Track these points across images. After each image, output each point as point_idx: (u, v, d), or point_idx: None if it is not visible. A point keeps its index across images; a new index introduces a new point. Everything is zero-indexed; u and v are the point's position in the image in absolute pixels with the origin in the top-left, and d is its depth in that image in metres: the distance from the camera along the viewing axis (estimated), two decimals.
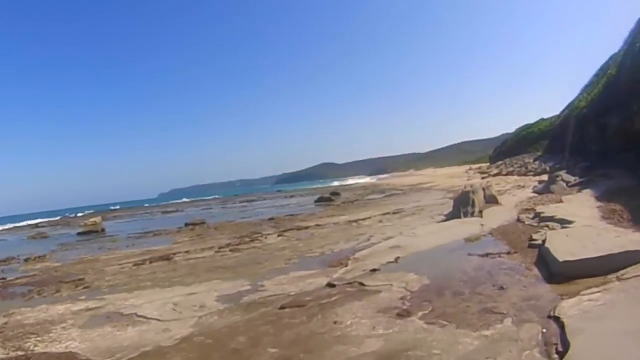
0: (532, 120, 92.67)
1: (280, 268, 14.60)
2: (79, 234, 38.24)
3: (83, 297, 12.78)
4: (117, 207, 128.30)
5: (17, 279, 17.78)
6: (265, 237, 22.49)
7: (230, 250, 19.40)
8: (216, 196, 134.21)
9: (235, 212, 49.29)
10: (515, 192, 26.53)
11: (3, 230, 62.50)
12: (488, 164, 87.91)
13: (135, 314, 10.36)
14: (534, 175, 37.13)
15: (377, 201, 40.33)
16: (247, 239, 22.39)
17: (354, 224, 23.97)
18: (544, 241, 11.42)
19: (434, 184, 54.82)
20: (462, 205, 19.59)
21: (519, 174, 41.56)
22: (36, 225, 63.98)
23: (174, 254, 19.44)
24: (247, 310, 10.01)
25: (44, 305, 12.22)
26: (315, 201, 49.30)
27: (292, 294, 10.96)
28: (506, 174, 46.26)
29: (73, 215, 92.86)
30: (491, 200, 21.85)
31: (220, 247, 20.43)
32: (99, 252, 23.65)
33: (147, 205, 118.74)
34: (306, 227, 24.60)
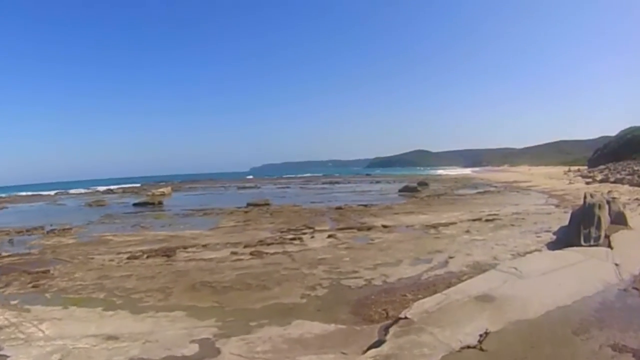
0: (638, 123, 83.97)
1: (286, 306, 9.48)
2: (134, 204, 37.84)
3: (14, 302, 10.56)
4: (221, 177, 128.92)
5: (6, 256, 16.54)
6: (312, 237, 17.91)
7: (252, 254, 14.86)
8: (306, 174, 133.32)
9: (310, 194, 46.32)
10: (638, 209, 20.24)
11: (79, 193, 64.20)
12: (586, 166, 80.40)
13: None
14: None
15: (467, 199, 34.37)
16: (289, 236, 18.35)
17: (433, 230, 18.34)
18: None
19: (531, 183, 48.77)
20: (584, 224, 13.50)
21: (631, 184, 35.29)
22: (111, 191, 65.73)
23: (187, 247, 16.61)
24: None
25: None
26: (399, 190, 44.88)
27: None
28: (614, 182, 39.76)
29: (157, 182, 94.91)
30: (618, 219, 15.47)
31: (246, 245, 16.42)
32: (125, 231, 22.00)
33: (226, 179, 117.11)
34: (369, 228, 19.39)
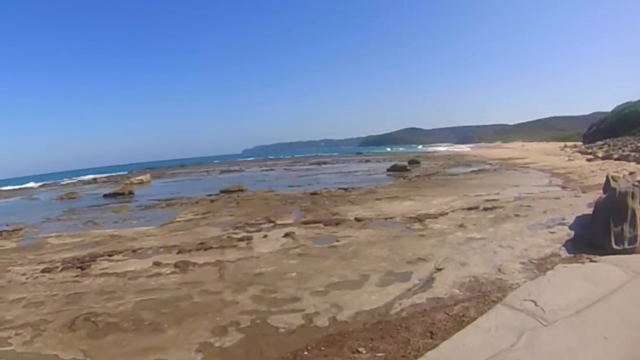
0: (633, 99, 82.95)
1: None
2: (105, 195, 35.85)
3: None
4: (217, 160, 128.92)
5: None
6: (265, 235, 14.67)
7: (176, 266, 11.66)
8: (297, 155, 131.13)
9: (292, 177, 43.58)
10: None
11: (65, 184, 62.16)
12: (581, 142, 78.03)
13: None
14: None
15: (460, 179, 30.65)
16: (240, 234, 15.33)
17: (417, 225, 14.68)
18: None
19: (528, 160, 45.46)
20: (614, 219, 10.07)
21: (639, 162, 31.94)
22: (94, 180, 64.39)
23: (114, 254, 13.95)
24: None
25: None
26: (388, 170, 42.26)
27: None
28: (618, 159, 36.33)
29: (151, 168, 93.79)
30: None
31: (180, 251, 13.44)
32: (75, 229, 19.99)
33: (217, 162, 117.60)
34: (338, 223, 15.85)
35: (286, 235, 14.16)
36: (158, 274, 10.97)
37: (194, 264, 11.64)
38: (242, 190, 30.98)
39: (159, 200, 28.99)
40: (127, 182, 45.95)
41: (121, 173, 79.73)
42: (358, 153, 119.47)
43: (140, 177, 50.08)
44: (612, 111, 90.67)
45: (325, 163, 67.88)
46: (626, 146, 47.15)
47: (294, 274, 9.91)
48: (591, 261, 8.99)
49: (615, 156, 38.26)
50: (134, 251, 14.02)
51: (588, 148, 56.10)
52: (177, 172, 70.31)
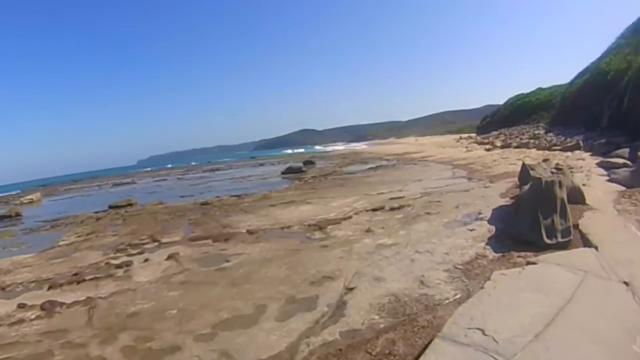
0: (524, 91, 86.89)
1: None
2: None
3: None
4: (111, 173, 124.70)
5: None
6: (147, 260, 12.49)
7: (42, 308, 9.36)
8: (192, 163, 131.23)
9: (184, 186, 42.05)
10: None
11: None
12: (475, 134, 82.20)
13: None
14: (563, 149, 28.40)
15: (359, 177, 29.53)
16: (120, 259, 13.04)
17: (318, 233, 13.01)
18: None
19: (425, 154, 45.97)
20: (543, 211, 8.96)
21: (539, 148, 33.01)
22: None
23: None
24: None
25: None
26: (283, 172, 41.74)
27: None
28: (518, 147, 37.75)
29: (44, 185, 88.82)
30: (574, 197, 11.16)
31: (51, 286, 11.01)
32: None
33: (111, 174, 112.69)
34: (227, 238, 13.90)
35: (169, 257, 12.27)
36: (21, 321, 8.85)
37: (62, 304, 9.51)
38: (130, 205, 29.21)
39: (45, 221, 26.49)
40: (17, 202, 44.26)
41: (13, 192, 74.79)
42: (252, 157, 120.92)
43: (30, 196, 47.44)
44: (505, 103, 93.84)
45: (218, 170, 67.17)
46: (523, 135, 48.62)
47: (175, 311, 7.98)
48: (528, 263, 7.65)
49: (514, 144, 39.60)
50: (3, 289, 11.70)
51: (484, 138, 58.04)
52: (70, 188, 67.50)
